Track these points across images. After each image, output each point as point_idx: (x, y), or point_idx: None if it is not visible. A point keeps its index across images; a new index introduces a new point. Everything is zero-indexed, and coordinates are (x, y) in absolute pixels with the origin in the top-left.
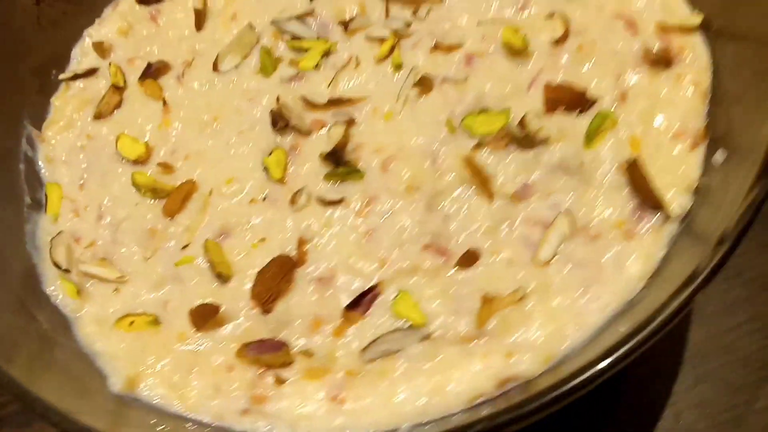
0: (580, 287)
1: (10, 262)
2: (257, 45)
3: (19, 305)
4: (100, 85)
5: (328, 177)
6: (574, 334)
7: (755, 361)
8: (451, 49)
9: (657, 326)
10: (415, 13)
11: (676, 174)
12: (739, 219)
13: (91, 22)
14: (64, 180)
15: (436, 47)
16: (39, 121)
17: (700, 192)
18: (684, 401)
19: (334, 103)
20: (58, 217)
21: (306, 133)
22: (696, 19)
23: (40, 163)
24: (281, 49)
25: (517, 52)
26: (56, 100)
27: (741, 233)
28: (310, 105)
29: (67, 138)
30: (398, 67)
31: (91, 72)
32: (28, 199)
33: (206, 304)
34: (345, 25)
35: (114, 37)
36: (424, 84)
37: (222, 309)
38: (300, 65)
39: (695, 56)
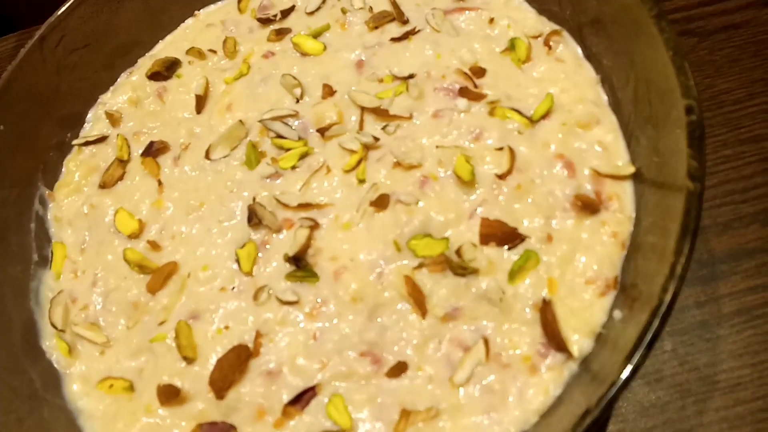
0: (486, 411)
1: (12, 319)
2: (245, 139)
3: (16, 363)
4: (108, 153)
5: (289, 277)
6: None
7: None
8: (410, 167)
9: None
10: (384, 128)
11: (583, 318)
12: (602, 396)
13: (106, 88)
14: (68, 240)
15: (398, 164)
16: (51, 180)
17: (601, 338)
18: None
19: (304, 206)
20: (61, 276)
21: (276, 230)
22: (629, 169)
23: (49, 220)
24: (266, 144)
25: (465, 182)
26: (69, 162)
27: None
28: (283, 205)
29: (75, 202)
30: (362, 181)
31: (101, 139)
32: (35, 257)
33: (170, 385)
34: (322, 131)
35: (125, 107)
36: (381, 202)
37: (183, 391)
38: (279, 164)
39: (621, 206)
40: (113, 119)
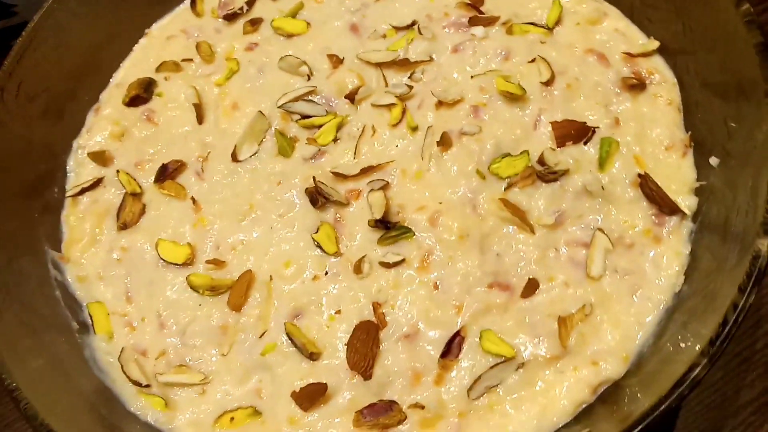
0: (632, 291)
1: (87, 395)
2: (269, 130)
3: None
4: (108, 195)
5: (382, 241)
6: (639, 332)
7: None
8: (455, 103)
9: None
10: (411, 76)
11: (678, 180)
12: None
13: (75, 133)
14: (106, 296)
15: (441, 104)
16: (55, 242)
17: (702, 191)
18: None
19: (365, 171)
20: (113, 335)
21: (345, 204)
22: (654, 44)
23: (71, 283)
24: (293, 129)
25: (516, 97)
26: (68, 218)
27: None
28: (341, 177)
29: (97, 254)
30: (414, 129)
31: (96, 183)
32: (74, 325)
33: (311, 384)
34: (351, 97)
35: (108, 143)
36: (445, 140)
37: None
38: (318, 141)
39: (663, 76)
40: (102, 159)
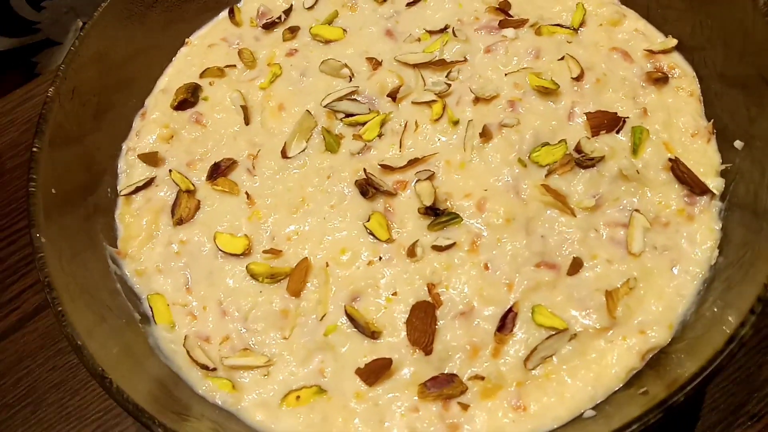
0: (671, 265)
1: (158, 378)
2: (316, 128)
3: (188, 410)
4: (161, 193)
5: (432, 227)
6: (680, 302)
7: None
8: (492, 98)
9: None
10: (447, 75)
11: (704, 163)
12: None
13: (121, 137)
14: (165, 289)
15: (478, 100)
16: (110, 239)
17: (727, 173)
18: None
19: (412, 163)
20: (174, 325)
21: (393, 194)
22: (672, 42)
23: (129, 278)
24: (338, 127)
25: (550, 92)
26: (124, 216)
27: None
28: (389, 169)
29: (154, 249)
30: (455, 123)
31: (148, 183)
32: (137, 316)
33: (377, 360)
34: (392, 95)
35: (158, 145)
36: (486, 132)
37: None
38: (364, 137)
39: (682, 70)
40: (154, 160)
